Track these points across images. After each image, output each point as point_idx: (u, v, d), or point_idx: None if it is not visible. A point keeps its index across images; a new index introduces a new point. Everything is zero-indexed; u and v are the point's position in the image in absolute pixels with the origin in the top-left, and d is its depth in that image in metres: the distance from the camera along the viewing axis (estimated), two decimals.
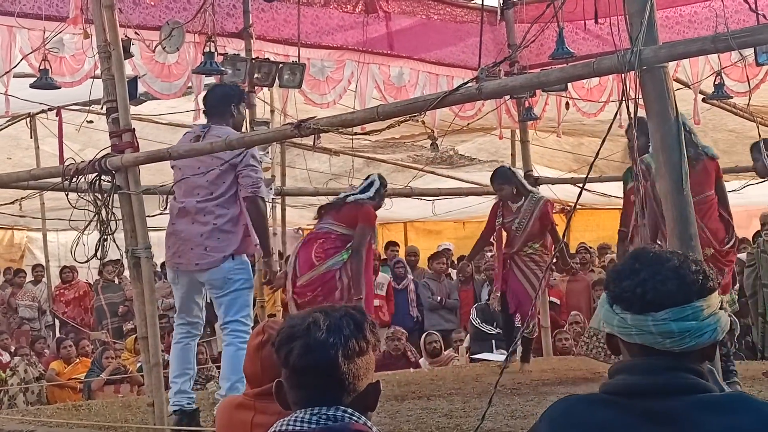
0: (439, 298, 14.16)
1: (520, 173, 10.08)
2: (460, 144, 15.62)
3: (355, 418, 2.60)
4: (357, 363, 2.62)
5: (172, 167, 7.16)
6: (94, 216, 6.98)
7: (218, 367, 10.75)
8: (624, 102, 4.70)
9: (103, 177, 6.99)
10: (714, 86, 10.43)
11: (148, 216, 7.15)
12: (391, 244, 16.28)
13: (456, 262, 15.51)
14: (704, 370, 2.52)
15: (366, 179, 8.98)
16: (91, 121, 11.15)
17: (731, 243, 7.78)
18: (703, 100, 11.27)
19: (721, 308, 2.50)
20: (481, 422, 5.01)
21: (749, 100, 9.52)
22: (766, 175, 8.49)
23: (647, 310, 2.44)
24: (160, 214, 7.69)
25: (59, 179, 7.35)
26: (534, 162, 12.11)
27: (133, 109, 9.36)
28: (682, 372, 2.45)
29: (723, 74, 10.22)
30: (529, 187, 9.72)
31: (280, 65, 9.70)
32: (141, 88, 9.01)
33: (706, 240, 7.17)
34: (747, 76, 9.57)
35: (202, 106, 7.50)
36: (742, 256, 11.85)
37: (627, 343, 2.52)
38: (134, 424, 7.68)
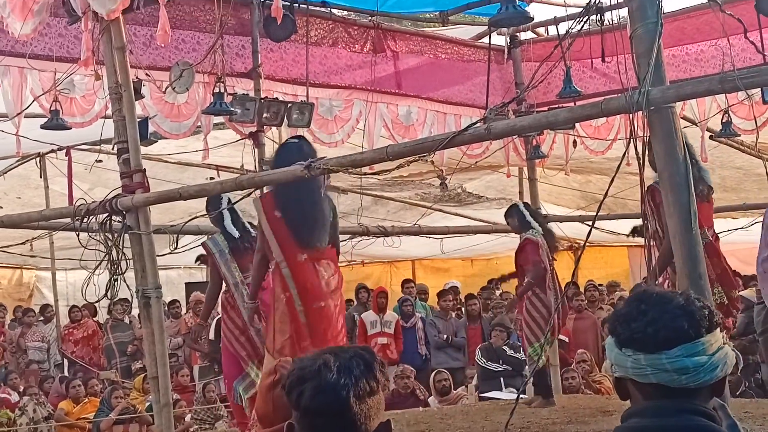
0: (445, 336, 14.13)
1: (530, 211, 10.10)
2: (468, 182, 15.67)
3: None
4: (368, 403, 2.62)
5: None
6: (105, 256, 7.00)
7: (227, 406, 10.75)
8: (632, 141, 4.73)
9: (113, 217, 7.02)
10: (721, 124, 10.46)
11: (158, 255, 7.17)
12: (406, 282, 16.29)
13: (463, 299, 15.48)
14: (714, 409, 2.54)
15: None
16: (100, 161, 11.22)
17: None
18: (711, 137, 11.30)
19: (725, 343, 2.53)
20: None
21: (757, 137, 9.56)
22: None
23: (661, 348, 2.47)
24: (170, 253, 7.72)
25: (69, 219, 7.38)
26: (542, 200, 12.15)
27: (143, 149, 9.44)
28: (693, 414, 2.46)
29: (730, 112, 10.25)
30: (532, 224, 9.79)
31: (289, 105, 9.75)
32: (151, 128, 9.06)
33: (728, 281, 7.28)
34: (754, 114, 9.59)
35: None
36: (749, 293, 11.83)
37: (639, 385, 2.54)
38: None
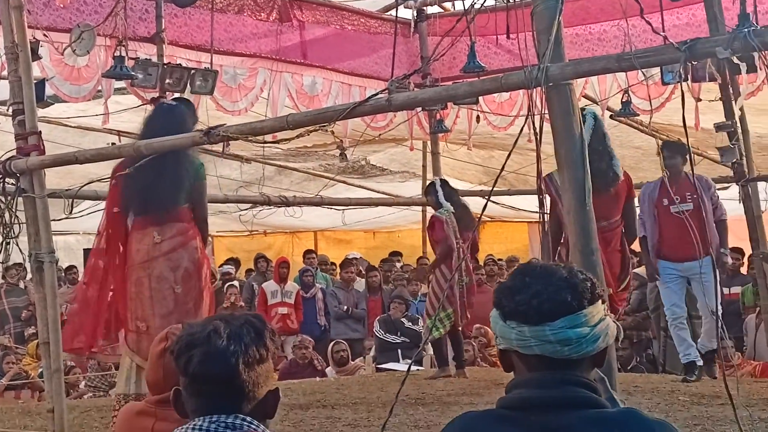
0: (345, 307, 14.15)
1: (445, 189, 10.21)
2: (372, 154, 15.67)
3: (254, 426, 2.60)
4: (257, 371, 2.61)
5: None
6: None
7: None
8: (530, 117, 4.78)
9: (7, 180, 6.88)
10: (621, 104, 10.61)
11: (53, 220, 7.04)
12: (308, 252, 16.31)
13: (364, 271, 15.52)
14: (596, 381, 2.58)
15: None
16: None
17: (626, 283, 8.15)
18: (611, 116, 11.46)
19: (606, 315, 2.57)
20: (382, 430, 5.02)
21: (650, 118, 9.75)
22: (678, 174, 8.77)
23: (544, 320, 2.49)
24: (67, 218, 7.59)
25: None
26: (445, 174, 12.21)
27: (42, 112, 9.23)
28: (575, 386, 2.50)
29: (630, 92, 10.40)
30: (443, 202, 9.93)
31: (192, 71, 9.64)
32: (49, 91, 8.88)
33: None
34: (649, 95, 9.77)
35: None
36: (641, 270, 12.08)
37: (523, 357, 2.56)
38: (33, 430, 7.56)
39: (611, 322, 2.58)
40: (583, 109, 7.02)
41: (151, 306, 6.60)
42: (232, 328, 2.62)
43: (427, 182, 10.99)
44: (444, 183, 10.39)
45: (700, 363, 8.90)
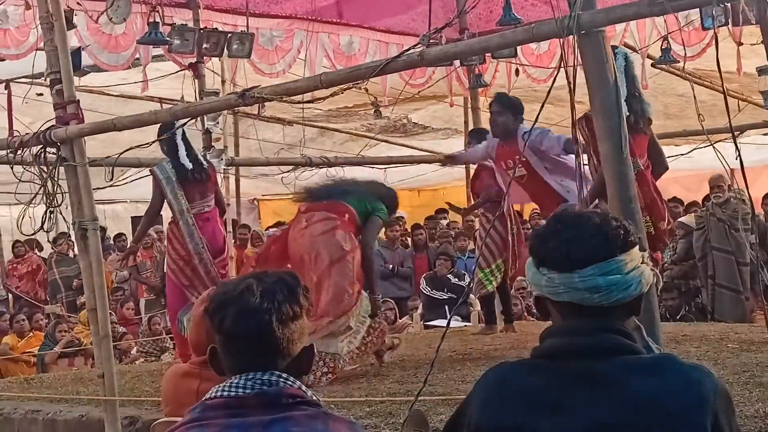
0: (391, 266, 14.17)
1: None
2: (413, 112, 15.65)
3: (290, 383, 2.61)
4: (291, 327, 2.62)
5: None
6: (40, 189, 6.92)
7: (171, 338, 10.77)
8: (563, 67, 4.73)
9: (48, 149, 6.93)
10: (661, 50, 10.49)
11: (95, 189, 7.10)
12: None
13: (410, 229, 15.52)
14: (631, 329, 2.57)
15: None
16: (40, 94, 11.04)
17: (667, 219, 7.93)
18: (652, 65, 11.34)
19: (643, 263, 2.54)
20: (423, 385, 5.03)
21: (683, 64, 9.59)
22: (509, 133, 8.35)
23: (573, 267, 2.49)
24: (109, 186, 7.66)
25: (4, 152, 7.29)
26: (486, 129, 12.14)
27: (83, 81, 9.31)
28: (610, 333, 2.49)
29: (669, 39, 10.28)
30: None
31: (229, 35, 9.66)
32: (87, 60, 8.94)
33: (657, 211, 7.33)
34: (683, 41, 9.58)
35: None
36: (689, 218, 11.99)
37: (556, 304, 2.56)
38: (85, 396, 7.66)
39: (647, 269, 2.56)
40: (613, 48, 6.91)
41: None
42: (264, 286, 2.63)
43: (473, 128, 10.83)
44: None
45: None
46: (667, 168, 8.10)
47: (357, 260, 7.49)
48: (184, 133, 8.06)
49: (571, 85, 4.70)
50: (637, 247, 2.56)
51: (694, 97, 5.51)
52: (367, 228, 7.78)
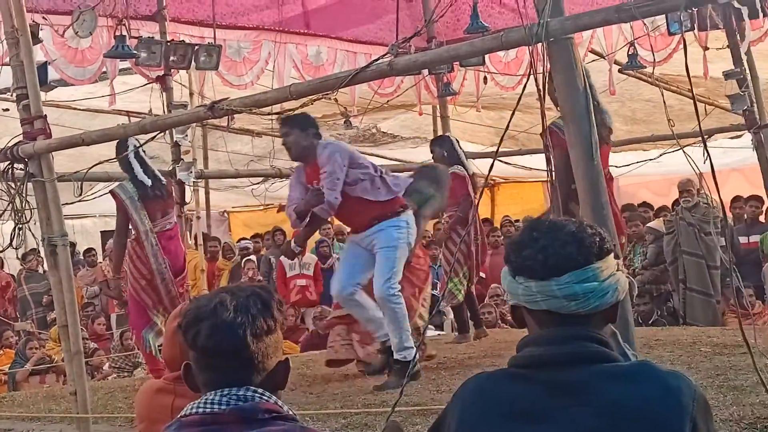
0: None
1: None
2: (382, 122, 15.64)
3: (266, 398, 2.59)
4: (265, 342, 2.60)
5: None
6: (8, 205, 6.87)
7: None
8: (533, 74, 4.74)
9: (16, 165, 6.88)
10: (628, 56, 10.54)
11: (64, 204, 7.05)
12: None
13: None
14: (608, 336, 2.56)
15: None
16: (6, 110, 10.98)
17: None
18: (619, 70, 11.40)
19: (618, 270, 2.54)
20: (399, 396, 5.01)
21: (653, 69, 9.64)
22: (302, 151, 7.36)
23: (550, 275, 2.48)
24: (78, 201, 7.60)
25: None
26: (455, 137, 12.16)
27: (50, 96, 9.24)
28: (587, 341, 2.48)
29: (636, 44, 10.33)
30: (462, 158, 9.71)
31: (196, 47, 9.63)
32: (54, 74, 8.87)
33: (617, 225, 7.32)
34: (652, 47, 9.65)
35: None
36: (659, 223, 12.04)
37: (533, 313, 2.54)
38: (58, 413, 7.60)
39: (623, 277, 2.55)
40: None
41: None
42: (238, 300, 2.61)
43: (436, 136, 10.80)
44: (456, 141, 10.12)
45: None
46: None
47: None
48: (137, 150, 7.93)
49: (541, 93, 4.70)
50: (613, 254, 2.55)
51: (664, 102, 5.52)
52: (422, 215, 7.97)
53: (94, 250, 16.52)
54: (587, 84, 7.16)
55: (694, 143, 8.75)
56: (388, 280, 7.00)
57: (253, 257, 14.70)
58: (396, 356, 7.01)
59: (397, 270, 7.10)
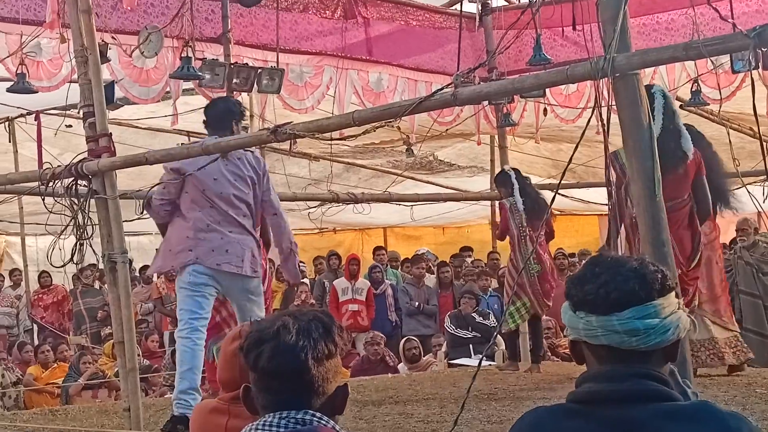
0: (417, 303, 14.15)
1: (519, 179, 10.02)
2: (439, 150, 15.66)
3: (324, 422, 2.60)
4: (326, 366, 2.62)
5: None
6: (71, 220, 6.96)
7: None
8: (597, 108, 4.74)
9: (79, 181, 6.97)
10: (691, 93, 10.48)
11: (125, 221, 7.13)
12: (378, 249, 16.33)
13: (435, 267, 15.50)
14: (667, 374, 2.55)
15: None
16: (69, 126, 11.14)
17: (697, 260, 7.69)
18: (681, 106, 11.32)
19: (679, 308, 2.54)
20: (454, 426, 5.01)
21: (719, 107, 9.58)
22: None
23: (612, 310, 2.48)
24: (138, 218, 7.68)
25: (36, 183, 7.33)
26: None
27: (112, 114, 9.37)
28: (646, 379, 2.47)
29: (699, 81, 10.28)
30: (515, 193, 9.75)
31: (259, 70, 9.71)
32: (119, 93, 9.00)
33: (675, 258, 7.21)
34: (719, 84, 9.59)
35: (203, 117, 7.41)
36: None
37: (593, 348, 2.54)
38: (110, 429, 7.65)
39: (684, 314, 2.55)
40: (650, 87, 6.84)
41: None
42: (300, 324, 2.63)
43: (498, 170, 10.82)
44: (518, 173, 10.15)
45: None
46: (708, 213, 7.87)
47: None
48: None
49: (604, 127, 4.70)
50: (674, 292, 2.55)
51: (729, 141, 5.48)
52: None
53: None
54: (672, 110, 7.18)
55: (756, 182, 8.70)
56: None
57: (306, 280, 14.76)
58: None
59: None
